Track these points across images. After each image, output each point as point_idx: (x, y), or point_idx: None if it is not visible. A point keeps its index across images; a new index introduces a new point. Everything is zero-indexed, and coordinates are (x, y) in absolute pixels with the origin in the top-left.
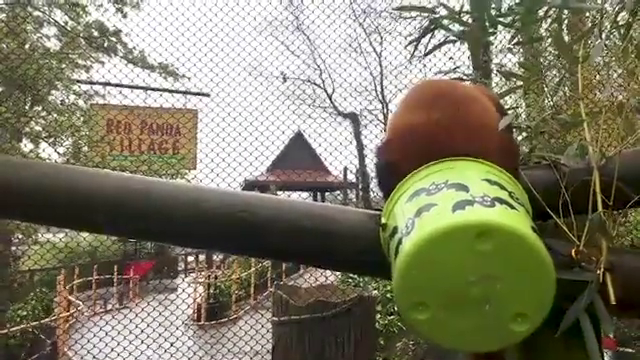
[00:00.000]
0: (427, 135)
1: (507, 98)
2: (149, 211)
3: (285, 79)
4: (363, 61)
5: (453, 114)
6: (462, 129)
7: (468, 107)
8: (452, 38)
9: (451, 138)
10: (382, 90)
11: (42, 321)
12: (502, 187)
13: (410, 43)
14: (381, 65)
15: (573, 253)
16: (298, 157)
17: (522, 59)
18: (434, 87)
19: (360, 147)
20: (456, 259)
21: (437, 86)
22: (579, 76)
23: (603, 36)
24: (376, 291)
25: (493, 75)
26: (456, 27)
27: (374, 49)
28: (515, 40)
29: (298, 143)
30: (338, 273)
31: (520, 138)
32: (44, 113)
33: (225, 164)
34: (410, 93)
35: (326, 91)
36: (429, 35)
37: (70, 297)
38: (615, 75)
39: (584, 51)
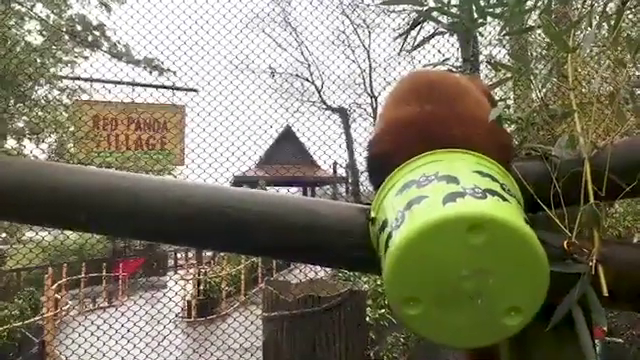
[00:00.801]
0: (420, 128)
1: (497, 90)
2: (134, 209)
3: (274, 74)
4: (352, 55)
5: (446, 107)
6: (455, 122)
7: (461, 100)
8: (441, 30)
9: (444, 131)
10: (371, 84)
11: (28, 320)
12: (493, 179)
13: (399, 36)
14: (370, 59)
15: (565, 245)
16: (287, 152)
17: (510, 52)
18: (425, 79)
19: (349, 141)
20: (447, 253)
21: (429, 78)
22: (569, 66)
23: (593, 26)
24: (367, 285)
25: (482, 67)
26: (445, 19)
27: (362, 43)
28: (505, 31)
29: (287, 138)
30: (328, 269)
31: (510, 130)
32: (27, 110)
33: (212, 159)
34: (401, 85)
35: (315, 85)
36: (418, 27)
37: (58, 296)
38: (603, 67)
39: (573, 41)
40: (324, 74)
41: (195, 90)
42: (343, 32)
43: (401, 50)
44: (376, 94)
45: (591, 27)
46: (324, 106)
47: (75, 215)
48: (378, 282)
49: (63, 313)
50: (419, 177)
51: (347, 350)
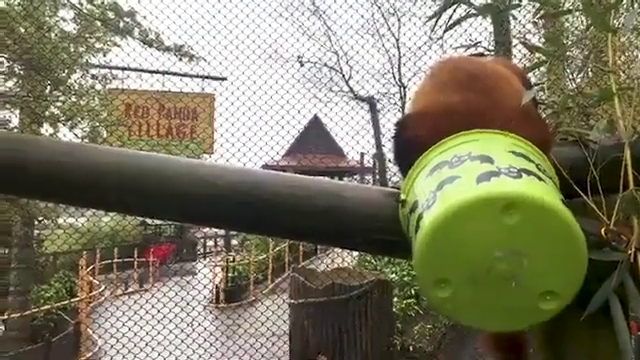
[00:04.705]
0: (461, 116)
1: (530, 75)
2: (163, 190)
3: (302, 63)
4: (381, 44)
5: (487, 97)
6: (496, 112)
7: (501, 89)
8: (473, 12)
9: (485, 122)
10: (400, 73)
11: (64, 302)
12: (529, 159)
13: (430, 18)
14: (399, 48)
15: (603, 232)
16: (315, 141)
17: (545, 35)
18: (467, 67)
19: (377, 131)
20: (480, 233)
21: (470, 66)
22: (609, 47)
23: (635, 5)
24: (394, 275)
25: (515, 52)
26: (478, 1)
27: (391, 31)
28: (540, 13)
29: (315, 127)
30: (355, 256)
31: (545, 115)
32: (63, 97)
33: (241, 144)
34: (441, 70)
35: (343, 75)
36: (450, 10)
37: (92, 279)
38: None
39: (614, 23)
40: (352, 60)
41: (224, 78)
42: (372, 17)
43: (432, 32)
44: (405, 83)
45: (633, 8)
46: (352, 95)
47: (105, 195)
48: (405, 272)
49: (97, 296)
50: (451, 158)
51: (373, 338)
